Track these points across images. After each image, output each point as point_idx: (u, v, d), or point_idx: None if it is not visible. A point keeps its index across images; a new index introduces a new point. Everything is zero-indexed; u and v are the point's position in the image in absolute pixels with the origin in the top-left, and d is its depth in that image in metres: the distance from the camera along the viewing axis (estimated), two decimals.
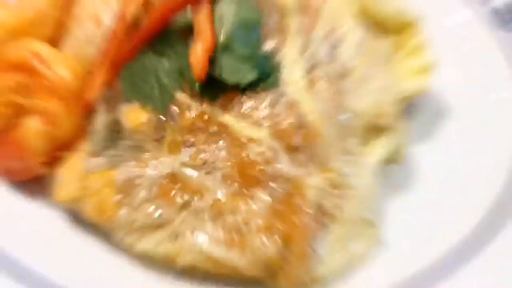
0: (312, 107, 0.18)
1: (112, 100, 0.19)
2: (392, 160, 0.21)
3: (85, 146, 0.19)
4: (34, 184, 0.20)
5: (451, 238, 0.19)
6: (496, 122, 0.23)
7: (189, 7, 0.19)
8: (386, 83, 0.21)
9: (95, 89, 0.19)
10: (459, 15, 0.26)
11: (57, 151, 0.19)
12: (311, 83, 0.19)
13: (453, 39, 0.25)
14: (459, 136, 0.23)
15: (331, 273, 0.18)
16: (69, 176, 0.19)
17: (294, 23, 0.20)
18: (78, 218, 0.19)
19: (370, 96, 0.20)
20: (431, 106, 0.23)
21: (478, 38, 0.25)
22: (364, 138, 0.20)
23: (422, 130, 0.23)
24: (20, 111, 0.19)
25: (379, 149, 0.20)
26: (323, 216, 0.18)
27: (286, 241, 0.17)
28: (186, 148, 0.18)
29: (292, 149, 0.18)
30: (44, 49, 0.19)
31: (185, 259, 0.18)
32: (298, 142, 0.18)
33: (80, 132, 0.19)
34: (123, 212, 0.18)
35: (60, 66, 0.19)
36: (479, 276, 0.18)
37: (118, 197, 0.18)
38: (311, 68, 0.19)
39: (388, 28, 0.22)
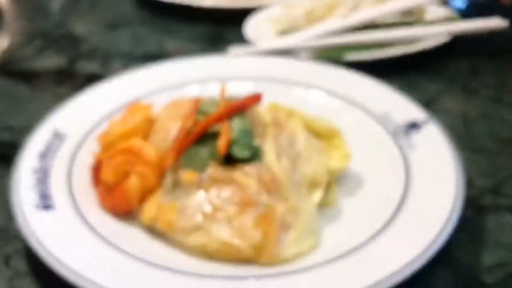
0: (279, 170, 0.35)
1: (176, 168, 0.36)
2: (325, 203, 0.38)
3: (160, 191, 0.36)
4: (129, 214, 0.36)
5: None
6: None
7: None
8: (321, 161, 0.38)
9: (168, 162, 0.36)
10: (370, 127, 0.44)
11: (145, 195, 0.36)
12: (279, 159, 0.36)
13: (363, 140, 0.43)
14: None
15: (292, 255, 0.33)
16: (150, 207, 0.36)
17: (270, 130, 0.38)
18: (153, 231, 0.35)
19: (312, 167, 0.37)
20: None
21: (383, 143, 0.43)
22: (308, 189, 0.37)
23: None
24: (126, 174, 0.36)
25: (317, 195, 0.37)
26: (285, 226, 0.34)
27: (265, 233, 0.33)
28: (213, 188, 0.34)
29: (268, 191, 0.35)
30: (140, 142, 0.37)
31: (212, 247, 0.33)
32: (272, 187, 0.35)
33: (159, 184, 0.36)
34: (180, 222, 0.34)
35: (149, 150, 0.36)
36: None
37: (177, 214, 0.34)
38: (279, 152, 0.37)
39: (321, 135, 0.40)
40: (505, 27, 0.59)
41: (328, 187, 0.38)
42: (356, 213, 0.37)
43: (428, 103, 0.52)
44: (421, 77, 0.57)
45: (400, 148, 0.41)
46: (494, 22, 0.59)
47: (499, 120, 0.50)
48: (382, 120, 0.44)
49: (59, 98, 0.51)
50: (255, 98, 0.38)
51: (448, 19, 0.61)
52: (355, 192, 0.39)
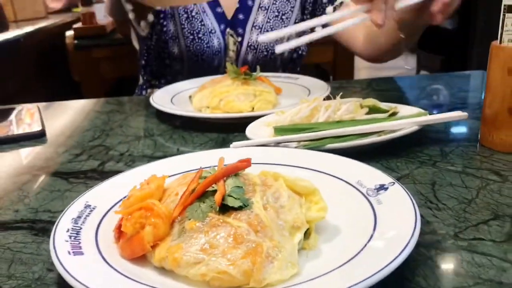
0: (265, 216, 0.44)
1: (182, 220, 0.45)
2: (307, 247, 0.45)
3: (169, 238, 0.44)
4: (143, 257, 0.44)
5: None
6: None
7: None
8: (300, 211, 0.46)
9: (176, 215, 0.45)
10: (346, 191, 0.52)
11: (157, 242, 0.44)
12: (265, 208, 0.45)
13: (340, 200, 0.51)
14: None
15: (276, 281, 0.40)
16: (161, 250, 0.43)
17: (258, 188, 0.47)
18: (164, 270, 0.43)
19: (293, 215, 0.45)
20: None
21: (357, 201, 0.51)
22: (290, 232, 0.44)
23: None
24: (142, 225, 0.45)
25: (298, 238, 0.44)
26: (270, 258, 0.41)
27: (253, 262, 0.40)
28: (211, 231, 0.43)
29: (256, 231, 0.43)
30: (154, 200, 0.46)
31: (210, 275, 0.40)
32: (259, 228, 0.43)
33: (168, 233, 0.44)
34: (184, 258, 0.42)
35: (162, 207, 0.46)
36: None
37: (182, 253, 0.42)
38: (266, 204, 0.45)
39: (302, 193, 0.49)
40: (466, 117, 0.70)
41: (309, 234, 0.46)
42: (333, 253, 0.45)
43: (400, 178, 0.61)
44: (397, 160, 0.66)
45: (370, 204, 0.49)
46: (456, 114, 0.70)
47: (463, 187, 0.58)
48: (356, 185, 0.53)
49: (90, 189, 0.61)
50: (246, 162, 0.48)
51: (418, 114, 0.72)
52: (332, 239, 0.47)
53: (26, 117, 0.94)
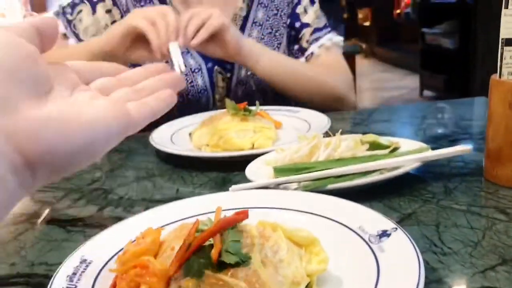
0: (264, 273, 0.42)
1: (178, 277, 0.43)
2: None
3: None
4: None
5: None
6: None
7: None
8: (300, 265, 0.45)
9: (171, 273, 0.44)
10: (347, 237, 0.51)
11: None
12: (264, 264, 0.43)
13: (342, 248, 0.49)
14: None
15: None
16: None
17: (257, 241, 0.46)
18: None
19: (292, 270, 0.44)
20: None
21: (358, 248, 0.50)
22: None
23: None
24: (137, 284, 0.44)
25: None
26: None
27: None
28: None
29: None
30: (149, 258, 0.45)
31: None
32: (257, 287, 0.41)
33: None
34: None
35: (156, 264, 0.44)
36: None
37: None
38: (264, 258, 0.44)
39: (302, 244, 0.47)
40: (469, 151, 0.68)
41: (310, 287, 0.45)
42: None
43: (403, 219, 0.59)
44: (400, 199, 0.65)
45: (373, 252, 0.48)
46: (459, 149, 0.69)
47: (468, 228, 0.56)
48: (357, 231, 0.52)
49: (88, 237, 0.60)
50: (243, 214, 0.46)
51: (419, 150, 0.71)
52: None
53: None
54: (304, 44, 1.20)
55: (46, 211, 0.72)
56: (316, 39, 1.20)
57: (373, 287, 0.43)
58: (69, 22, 1.12)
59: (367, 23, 7.11)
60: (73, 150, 0.29)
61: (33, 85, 0.29)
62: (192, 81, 1.12)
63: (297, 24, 1.20)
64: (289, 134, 0.93)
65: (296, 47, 1.21)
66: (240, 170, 0.77)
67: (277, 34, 1.19)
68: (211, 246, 0.44)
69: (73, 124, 0.29)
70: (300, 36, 1.20)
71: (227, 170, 0.81)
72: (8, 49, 0.28)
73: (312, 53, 1.18)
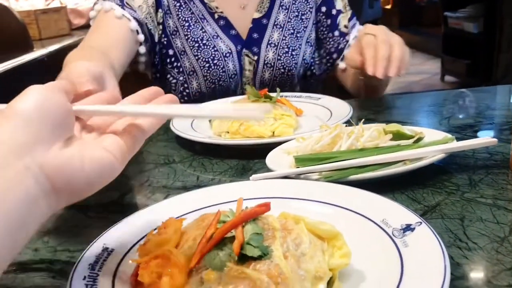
0: (285, 266, 0.42)
1: (200, 269, 0.43)
2: None
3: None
4: None
5: None
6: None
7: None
8: (323, 259, 0.44)
9: (193, 264, 0.44)
10: (371, 231, 0.50)
11: None
12: (285, 257, 0.43)
13: (365, 242, 0.49)
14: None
15: None
16: None
17: (278, 234, 0.45)
18: None
19: (314, 264, 0.44)
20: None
21: (382, 243, 0.49)
22: (312, 283, 0.43)
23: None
24: (159, 275, 0.44)
25: None
26: None
27: None
28: (230, 284, 0.41)
29: (276, 283, 0.41)
30: (171, 249, 0.45)
31: None
32: (279, 280, 0.41)
33: (186, 282, 0.43)
34: None
35: (178, 255, 0.44)
36: None
37: None
38: (286, 251, 0.44)
39: (324, 237, 0.47)
40: (495, 143, 0.67)
41: (332, 282, 0.44)
42: None
43: (427, 211, 0.58)
44: (423, 190, 0.64)
45: (396, 247, 0.47)
46: (485, 141, 0.67)
47: (494, 223, 0.55)
48: (381, 224, 0.51)
49: (110, 224, 0.61)
50: (265, 207, 0.46)
51: (444, 140, 0.69)
52: (356, 286, 0.45)
53: None
54: (343, 29, 1.21)
55: None
56: (353, 26, 1.22)
57: (396, 283, 0.42)
58: (122, 1, 1.08)
59: (388, 6, 6.98)
60: (88, 180, 0.39)
61: (64, 132, 0.39)
62: (223, 67, 1.12)
63: (334, 11, 1.21)
64: (310, 121, 0.92)
65: (336, 33, 1.22)
66: (260, 157, 0.76)
67: (303, 17, 1.19)
68: (233, 238, 0.44)
69: (87, 161, 0.39)
70: (337, 22, 1.21)
71: (247, 157, 0.80)
72: (56, 106, 0.38)
73: (356, 37, 1.17)
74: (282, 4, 1.17)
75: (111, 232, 0.54)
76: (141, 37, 1.04)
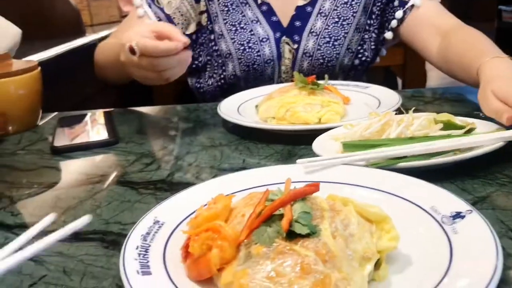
0: (334, 245, 0.42)
1: (248, 243, 0.44)
2: (377, 279, 0.43)
3: (235, 262, 0.44)
4: (209, 280, 0.44)
5: None
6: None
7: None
8: (371, 241, 0.45)
9: (242, 238, 0.45)
10: (419, 217, 0.50)
11: (224, 265, 0.44)
12: (334, 236, 0.43)
13: (413, 227, 0.48)
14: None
15: None
16: (227, 274, 0.43)
17: (326, 214, 0.46)
18: None
19: (362, 245, 0.44)
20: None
21: (430, 229, 0.49)
22: (359, 263, 0.43)
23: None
24: (209, 247, 0.45)
25: (368, 269, 0.43)
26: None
27: None
28: (278, 259, 0.42)
29: (324, 261, 0.41)
30: (221, 223, 0.46)
31: None
32: (327, 258, 0.41)
33: (235, 256, 0.44)
34: (250, 285, 0.41)
35: (228, 229, 0.45)
36: None
37: (248, 279, 0.41)
38: (334, 231, 0.44)
39: (372, 220, 0.47)
40: None
41: (379, 264, 0.44)
42: (404, 286, 0.42)
43: (477, 202, 0.57)
44: (473, 181, 0.62)
45: (445, 233, 0.47)
46: None
47: None
48: (429, 211, 0.51)
49: (159, 200, 0.63)
50: (314, 186, 0.46)
51: (497, 132, 0.67)
52: (403, 270, 0.45)
53: (99, 124, 0.98)
54: None
55: (120, 173, 0.75)
56: None
57: (445, 270, 0.42)
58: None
59: None
60: None
61: None
62: (259, 51, 1.12)
63: None
64: (357, 110, 0.92)
65: (396, 3, 1.14)
66: (306, 144, 0.76)
67: (353, 3, 1.14)
68: (281, 216, 0.45)
69: None
70: None
71: (292, 143, 0.81)
72: None
73: (413, 5, 1.10)
74: (322, 11, 1.14)
75: (161, 207, 0.55)
76: None
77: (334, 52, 1.13)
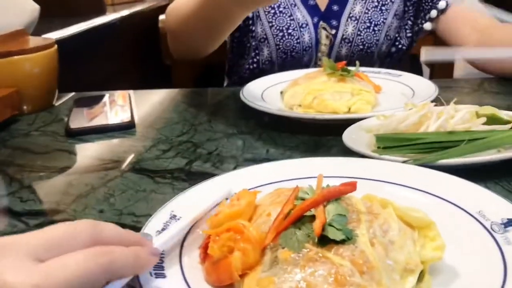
0: (372, 254, 0.37)
1: (275, 247, 0.40)
2: None
3: (260, 267, 0.39)
4: (230, 286, 0.40)
5: None
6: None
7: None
8: (414, 250, 0.39)
9: (268, 241, 0.40)
10: (465, 223, 0.44)
11: (247, 270, 0.39)
12: (372, 244, 0.38)
13: (458, 234, 0.43)
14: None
15: None
16: (250, 281, 0.39)
17: (364, 217, 0.40)
18: None
19: (405, 255, 0.39)
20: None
21: (478, 237, 0.43)
22: (401, 275, 0.38)
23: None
24: (231, 250, 0.40)
25: (410, 283, 0.38)
26: None
27: None
28: (308, 267, 0.37)
29: (361, 272, 0.36)
30: (244, 222, 0.42)
31: None
32: (365, 269, 0.37)
33: (259, 261, 0.40)
34: None
35: (252, 230, 0.41)
36: None
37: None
38: (372, 237, 0.39)
39: (415, 226, 0.41)
40: None
41: (422, 276, 0.39)
42: None
43: None
44: None
45: (496, 243, 0.41)
46: None
47: None
48: (477, 216, 0.45)
49: (177, 190, 0.58)
50: (351, 186, 0.41)
51: None
52: (449, 283, 0.39)
53: (117, 105, 0.94)
54: None
55: (135, 160, 0.71)
56: None
57: (499, 285, 0.37)
58: None
59: None
60: None
61: None
62: (298, 37, 1.06)
63: None
64: (390, 99, 0.86)
65: None
66: (334, 134, 0.71)
67: None
68: (313, 217, 0.40)
69: None
70: None
71: (319, 133, 0.76)
72: None
73: (447, 4, 1.06)
74: (352, 14, 1.08)
75: (179, 200, 0.51)
76: None
77: (374, 38, 1.07)
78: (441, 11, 1.07)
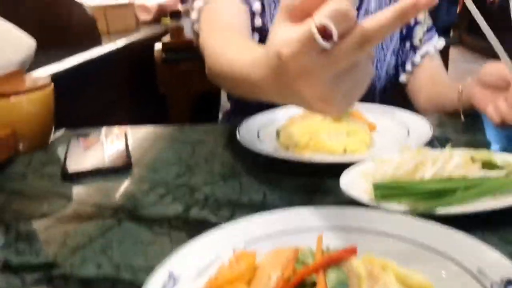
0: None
1: None
2: None
3: None
4: None
5: None
6: None
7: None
8: None
9: None
10: (464, 281, 0.45)
11: None
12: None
13: None
14: None
15: None
16: None
17: (364, 284, 0.40)
18: None
19: None
20: None
21: None
22: None
23: None
24: None
25: None
26: None
27: None
28: None
29: None
30: (243, 287, 0.41)
31: None
32: None
33: None
34: None
35: None
36: None
37: None
38: None
39: None
40: None
41: None
42: None
43: None
44: None
45: None
46: None
47: None
48: (477, 274, 0.45)
49: (174, 242, 0.58)
50: (351, 251, 0.41)
51: None
52: None
53: (113, 144, 0.94)
54: (416, 42, 1.14)
55: (133, 207, 0.70)
56: (429, 39, 1.14)
57: None
58: None
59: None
60: None
61: None
62: None
63: (412, 21, 1.13)
64: (384, 138, 0.86)
65: (407, 44, 1.14)
66: (331, 175, 0.71)
67: None
68: (313, 284, 0.40)
69: None
70: (413, 34, 1.14)
71: (317, 174, 0.76)
72: None
73: (427, 53, 1.11)
74: (368, 10, 1.10)
75: (176, 256, 0.51)
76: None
77: (376, 75, 1.09)
78: (414, 66, 1.14)
